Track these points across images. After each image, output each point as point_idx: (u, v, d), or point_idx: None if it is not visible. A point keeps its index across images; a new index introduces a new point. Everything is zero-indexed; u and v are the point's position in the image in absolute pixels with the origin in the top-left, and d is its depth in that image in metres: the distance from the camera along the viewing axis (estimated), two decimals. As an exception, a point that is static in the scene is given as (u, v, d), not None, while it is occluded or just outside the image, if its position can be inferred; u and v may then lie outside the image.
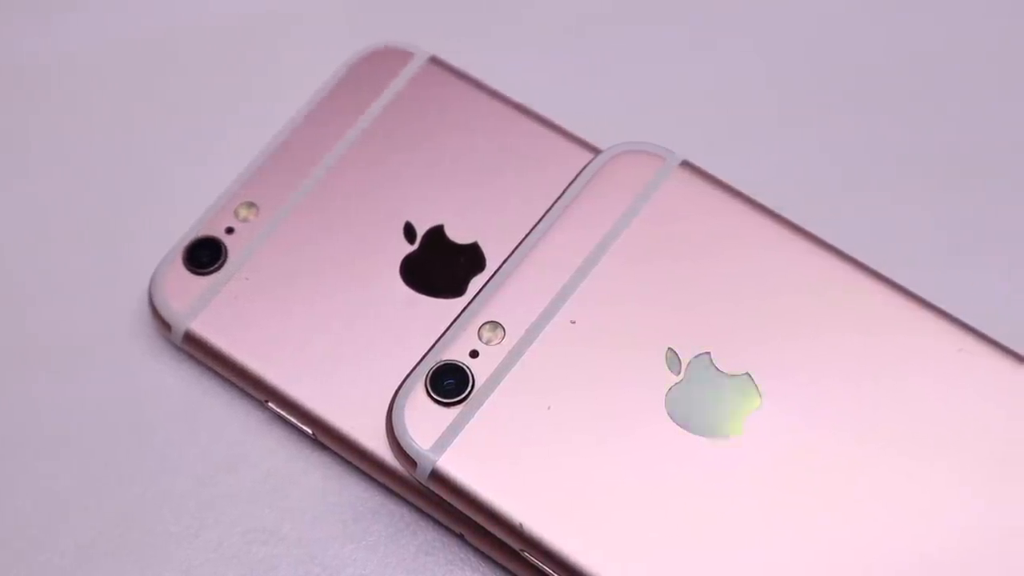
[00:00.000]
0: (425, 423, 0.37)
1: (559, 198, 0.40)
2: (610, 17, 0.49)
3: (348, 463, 0.41)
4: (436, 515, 0.40)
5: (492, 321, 0.38)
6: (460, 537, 0.39)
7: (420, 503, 0.40)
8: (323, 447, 0.41)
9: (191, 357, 0.43)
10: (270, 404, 0.41)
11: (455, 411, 0.37)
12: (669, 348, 0.38)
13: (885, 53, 0.48)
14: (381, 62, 0.45)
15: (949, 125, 0.46)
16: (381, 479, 0.40)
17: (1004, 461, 0.36)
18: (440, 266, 0.42)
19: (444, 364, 0.38)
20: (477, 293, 0.39)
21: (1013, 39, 0.48)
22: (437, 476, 0.37)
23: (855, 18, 0.49)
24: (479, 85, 0.45)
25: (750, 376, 0.37)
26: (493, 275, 0.39)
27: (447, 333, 0.38)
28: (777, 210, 0.40)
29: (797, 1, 0.49)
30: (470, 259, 0.42)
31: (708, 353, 0.38)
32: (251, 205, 0.43)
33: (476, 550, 0.40)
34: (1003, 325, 0.39)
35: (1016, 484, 0.36)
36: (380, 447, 0.39)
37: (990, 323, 0.39)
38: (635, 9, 0.49)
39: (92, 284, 0.45)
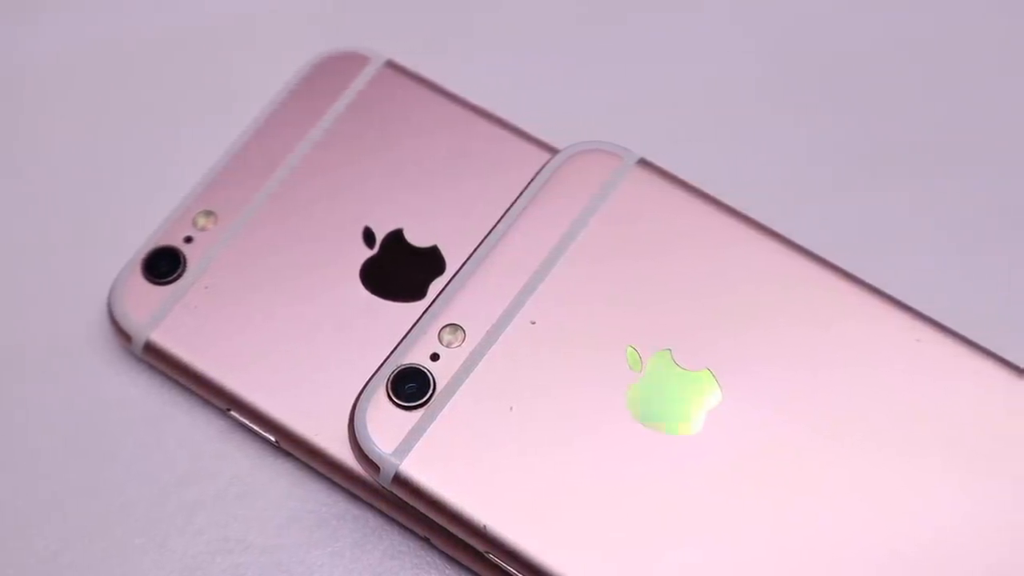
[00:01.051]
0: (387, 427, 0.37)
1: (517, 199, 0.40)
2: (569, 19, 0.49)
3: (312, 469, 0.41)
4: (401, 519, 0.39)
5: (452, 323, 0.38)
6: (426, 541, 0.39)
7: (385, 508, 0.40)
8: (287, 454, 0.41)
9: (152, 367, 0.42)
10: (232, 412, 0.41)
11: (417, 415, 0.37)
12: (629, 346, 0.38)
13: (862, 48, 0.48)
14: (337, 67, 0.45)
15: (934, 121, 0.46)
16: (345, 485, 0.40)
17: (971, 451, 0.36)
18: (400, 270, 0.42)
19: (405, 368, 0.38)
20: (437, 296, 0.39)
21: (1007, 36, 0.48)
22: (400, 480, 0.37)
23: (829, 11, 0.48)
24: (435, 88, 0.45)
25: (711, 372, 0.37)
26: (453, 278, 0.39)
27: (407, 337, 0.38)
28: (749, 209, 0.40)
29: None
30: (430, 262, 0.42)
31: (669, 350, 0.38)
32: (209, 213, 0.43)
33: (442, 553, 0.40)
34: (1001, 325, 0.40)
35: (985, 476, 0.36)
36: (343, 452, 0.39)
37: (988, 323, 0.39)
38: (594, 10, 0.49)
39: (51, 295, 0.44)
